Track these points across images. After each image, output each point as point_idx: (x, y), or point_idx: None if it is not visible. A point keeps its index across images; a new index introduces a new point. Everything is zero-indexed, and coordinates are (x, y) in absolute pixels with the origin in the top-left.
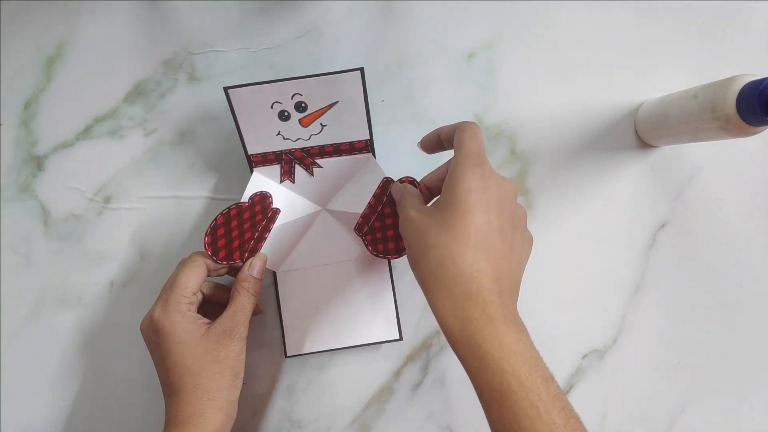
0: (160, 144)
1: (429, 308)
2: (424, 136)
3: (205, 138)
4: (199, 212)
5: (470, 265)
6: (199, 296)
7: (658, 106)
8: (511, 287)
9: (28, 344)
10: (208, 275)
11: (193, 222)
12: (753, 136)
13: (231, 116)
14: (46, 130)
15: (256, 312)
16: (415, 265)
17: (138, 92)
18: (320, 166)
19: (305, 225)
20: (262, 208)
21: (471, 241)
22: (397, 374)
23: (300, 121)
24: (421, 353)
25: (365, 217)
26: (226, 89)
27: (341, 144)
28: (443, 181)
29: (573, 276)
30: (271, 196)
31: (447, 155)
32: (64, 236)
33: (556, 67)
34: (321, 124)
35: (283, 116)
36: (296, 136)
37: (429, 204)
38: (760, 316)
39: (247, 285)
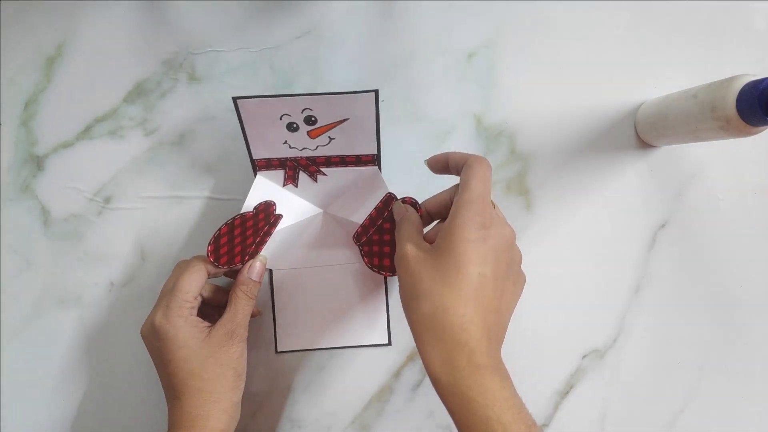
0: (160, 144)
1: None
2: (433, 156)
3: (205, 138)
4: (199, 212)
5: (461, 316)
6: (200, 300)
7: (658, 106)
8: (498, 335)
9: (28, 344)
10: (208, 277)
11: (193, 222)
12: (753, 136)
13: (231, 116)
14: (46, 130)
15: (255, 314)
16: (406, 307)
17: (138, 92)
18: (325, 174)
19: (305, 226)
20: (266, 216)
21: (464, 293)
22: (397, 374)
23: (308, 133)
24: None
25: (364, 227)
26: (235, 99)
27: (348, 156)
28: (445, 207)
29: (573, 276)
30: (275, 204)
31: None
32: (64, 236)
33: (556, 67)
34: (329, 137)
35: (292, 127)
36: (303, 146)
37: (429, 227)
38: (759, 316)
39: (245, 288)
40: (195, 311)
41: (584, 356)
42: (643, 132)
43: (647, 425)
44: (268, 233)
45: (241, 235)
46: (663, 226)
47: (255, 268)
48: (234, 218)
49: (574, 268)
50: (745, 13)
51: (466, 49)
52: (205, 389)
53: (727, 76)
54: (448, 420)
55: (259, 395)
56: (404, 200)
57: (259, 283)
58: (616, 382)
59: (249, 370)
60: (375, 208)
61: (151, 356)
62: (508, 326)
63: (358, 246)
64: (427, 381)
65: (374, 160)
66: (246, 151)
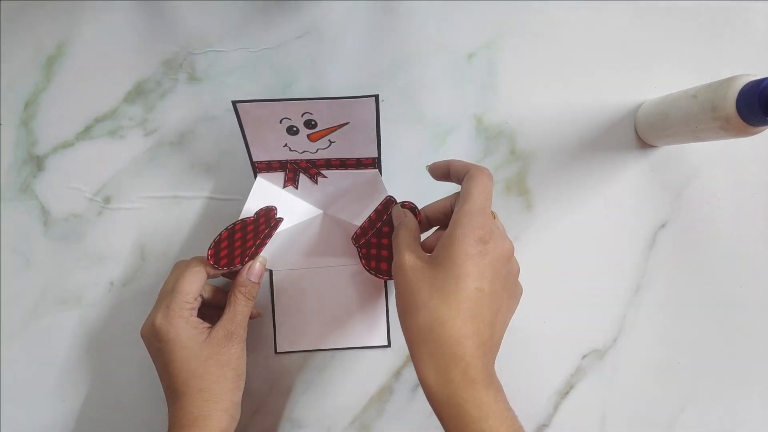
0: (160, 144)
1: None
2: (434, 162)
3: (205, 138)
4: (199, 212)
5: (457, 329)
6: (200, 301)
7: (658, 106)
8: (492, 348)
9: (28, 344)
10: (207, 278)
11: (192, 222)
12: (753, 136)
13: (231, 116)
14: (46, 130)
15: (254, 316)
16: (403, 318)
17: (138, 92)
18: (325, 177)
19: (305, 228)
20: (266, 220)
21: (461, 307)
22: (397, 374)
23: (308, 136)
24: None
25: (363, 229)
26: (234, 103)
27: (348, 159)
28: (444, 214)
29: (573, 276)
30: (275, 209)
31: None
32: (64, 236)
33: (556, 67)
34: (329, 140)
35: (292, 131)
36: (303, 148)
37: (428, 233)
38: (759, 316)
39: (244, 290)
40: (195, 312)
41: (584, 356)
42: (643, 132)
43: (647, 425)
44: (269, 236)
45: (242, 239)
46: (663, 226)
47: (254, 269)
48: (234, 224)
49: (574, 268)
50: (745, 13)
51: (466, 49)
52: (206, 390)
53: (727, 76)
54: None
55: (259, 395)
56: (403, 204)
57: (258, 284)
58: (616, 382)
59: (249, 370)
60: (374, 210)
61: (152, 357)
62: (504, 336)
63: (357, 248)
64: None
65: (374, 163)
66: (246, 152)
